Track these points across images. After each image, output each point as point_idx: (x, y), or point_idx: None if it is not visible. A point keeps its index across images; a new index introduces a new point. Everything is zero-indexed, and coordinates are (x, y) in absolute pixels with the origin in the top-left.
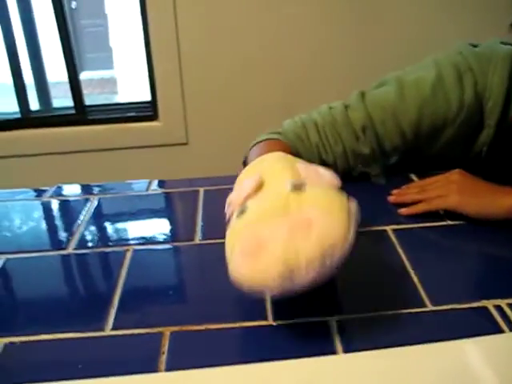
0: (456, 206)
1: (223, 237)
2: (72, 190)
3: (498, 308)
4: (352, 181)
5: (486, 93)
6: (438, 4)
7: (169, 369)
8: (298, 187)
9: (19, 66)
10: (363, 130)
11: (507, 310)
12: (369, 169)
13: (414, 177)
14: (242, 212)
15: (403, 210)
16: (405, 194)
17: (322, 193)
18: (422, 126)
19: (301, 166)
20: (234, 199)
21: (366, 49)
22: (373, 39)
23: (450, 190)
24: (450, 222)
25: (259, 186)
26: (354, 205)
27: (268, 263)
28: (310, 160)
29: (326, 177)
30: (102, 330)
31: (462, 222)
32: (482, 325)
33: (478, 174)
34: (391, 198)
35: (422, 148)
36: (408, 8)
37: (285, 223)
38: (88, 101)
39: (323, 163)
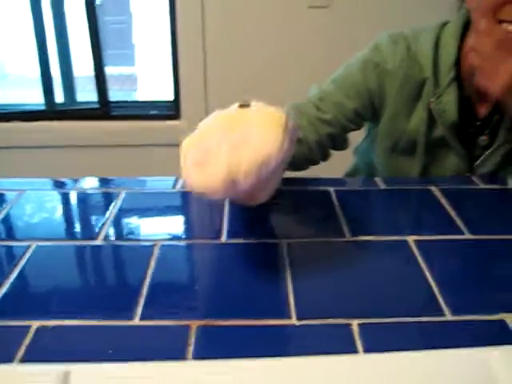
0: None
1: (249, 237)
2: (98, 183)
3: None
4: (376, 191)
5: (418, 54)
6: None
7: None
8: (244, 106)
9: (47, 59)
10: (320, 99)
11: None
12: (338, 138)
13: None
14: (196, 130)
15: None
16: None
17: (264, 110)
18: (368, 82)
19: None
20: None
21: None
22: None
23: None
24: (471, 236)
25: None
26: (290, 122)
27: (214, 172)
28: None
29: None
30: (131, 319)
31: (483, 237)
32: (501, 337)
33: None
34: None
35: (379, 107)
36: None
37: (229, 137)
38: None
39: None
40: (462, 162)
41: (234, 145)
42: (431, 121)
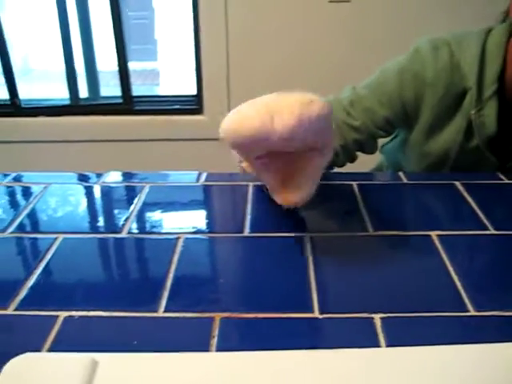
0: None
1: (271, 230)
2: (122, 177)
3: None
4: (399, 187)
5: (462, 62)
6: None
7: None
8: None
9: (72, 54)
10: (351, 104)
11: None
12: (365, 144)
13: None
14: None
15: None
16: None
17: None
18: (404, 91)
19: None
20: None
21: None
22: None
23: None
24: (495, 232)
25: None
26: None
27: (252, 109)
28: None
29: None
30: (156, 311)
31: (507, 233)
32: None
33: None
34: None
35: (413, 117)
36: None
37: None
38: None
39: None
40: (494, 168)
41: (277, 95)
42: (469, 132)
